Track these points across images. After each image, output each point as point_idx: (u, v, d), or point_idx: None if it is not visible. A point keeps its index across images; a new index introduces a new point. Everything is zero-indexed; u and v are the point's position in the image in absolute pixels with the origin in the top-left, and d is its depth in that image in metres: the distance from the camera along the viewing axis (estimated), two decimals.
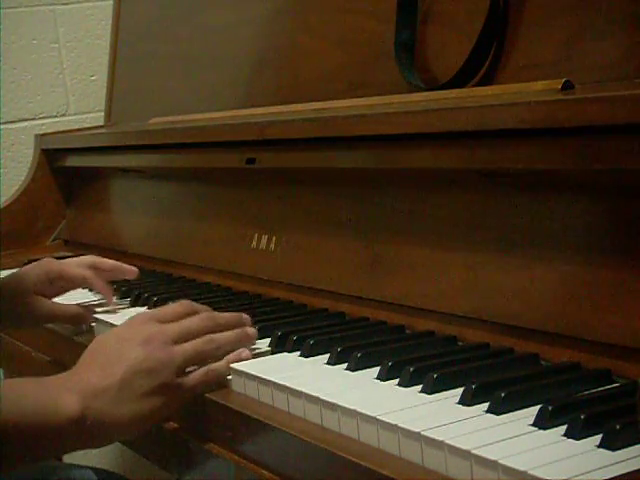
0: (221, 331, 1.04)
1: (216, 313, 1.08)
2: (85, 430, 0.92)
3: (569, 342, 0.90)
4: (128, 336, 0.99)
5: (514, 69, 1.13)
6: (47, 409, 0.90)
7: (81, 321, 1.36)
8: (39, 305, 1.33)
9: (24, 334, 1.58)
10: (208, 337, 1.02)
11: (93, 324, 1.34)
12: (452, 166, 1.04)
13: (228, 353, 1.03)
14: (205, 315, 1.06)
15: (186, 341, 1.00)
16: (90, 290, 1.47)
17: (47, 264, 1.38)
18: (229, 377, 1.01)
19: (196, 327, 1.03)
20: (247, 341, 1.06)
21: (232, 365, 1.01)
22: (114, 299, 1.41)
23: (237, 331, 1.06)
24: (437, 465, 0.74)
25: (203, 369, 1.00)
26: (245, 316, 1.09)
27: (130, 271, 1.41)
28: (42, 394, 0.91)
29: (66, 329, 1.38)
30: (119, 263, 1.43)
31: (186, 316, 1.04)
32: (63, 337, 1.39)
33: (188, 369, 1.00)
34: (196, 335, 1.02)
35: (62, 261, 1.42)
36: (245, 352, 1.03)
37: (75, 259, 1.42)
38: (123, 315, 1.32)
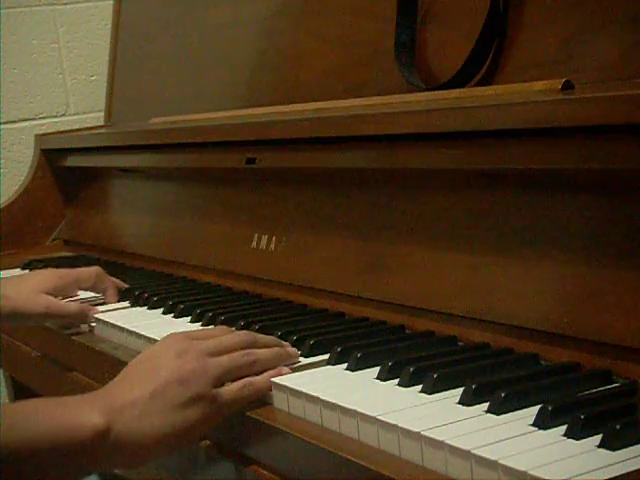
0: (259, 348, 1.00)
1: (253, 333, 1.04)
2: (111, 447, 0.85)
3: (569, 342, 0.90)
4: (161, 351, 0.94)
5: (514, 69, 1.13)
6: (69, 425, 0.84)
7: (83, 319, 1.35)
8: (40, 302, 1.33)
9: (23, 333, 1.58)
10: (246, 351, 0.97)
11: (93, 324, 1.34)
12: (452, 166, 1.04)
13: (267, 370, 0.97)
14: (243, 333, 1.02)
15: (222, 355, 0.95)
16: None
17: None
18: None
19: (233, 343, 0.97)
20: (287, 359, 1.01)
21: None
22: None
23: (277, 349, 1.01)
24: (437, 465, 0.74)
25: (241, 381, 0.94)
26: (286, 343, 1.04)
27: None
28: (60, 412, 0.85)
29: (64, 328, 1.39)
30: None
31: (221, 335, 1.00)
32: (62, 336, 1.39)
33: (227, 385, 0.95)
34: (233, 350, 0.96)
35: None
36: (286, 369, 0.97)
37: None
38: (123, 314, 1.32)
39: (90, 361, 1.29)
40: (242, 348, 0.97)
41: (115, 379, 0.92)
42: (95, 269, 1.44)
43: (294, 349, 1.03)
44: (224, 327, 1.07)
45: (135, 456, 0.88)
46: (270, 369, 0.97)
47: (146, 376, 0.90)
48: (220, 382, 0.93)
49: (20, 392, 2.01)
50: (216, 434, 0.99)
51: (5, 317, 1.30)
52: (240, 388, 0.93)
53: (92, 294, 1.46)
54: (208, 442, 0.99)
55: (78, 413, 0.85)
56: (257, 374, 0.96)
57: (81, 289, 1.43)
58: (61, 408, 0.86)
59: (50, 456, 0.83)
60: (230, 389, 0.93)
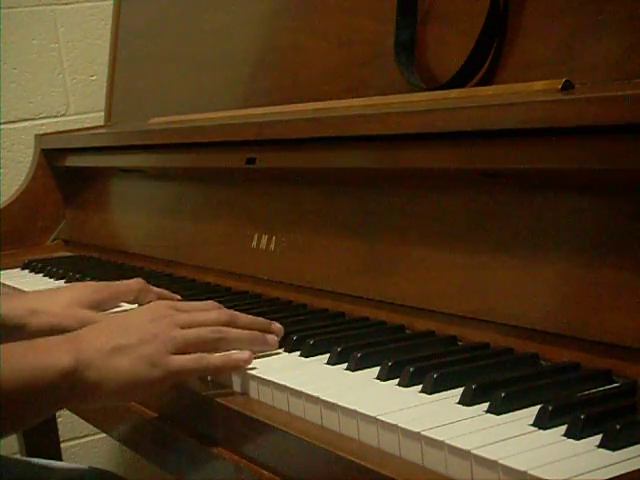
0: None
1: (240, 314, 1.06)
2: (73, 383, 0.92)
3: (569, 342, 0.90)
4: (140, 314, 1.02)
5: (514, 69, 1.13)
6: (38, 367, 0.91)
7: None
8: (77, 316, 1.24)
9: None
10: (217, 328, 1.01)
11: None
12: (452, 166, 1.04)
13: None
14: (225, 311, 1.05)
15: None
16: None
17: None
18: (228, 375, 1.01)
19: (209, 320, 1.02)
20: (260, 345, 1.04)
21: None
22: None
23: (253, 332, 1.04)
24: (437, 465, 0.74)
25: (198, 354, 0.98)
26: (275, 326, 1.07)
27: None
28: (33, 354, 0.92)
29: None
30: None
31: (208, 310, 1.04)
32: None
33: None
34: (205, 325, 1.01)
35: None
36: (247, 354, 1.00)
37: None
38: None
39: None
40: (217, 324, 1.01)
41: (90, 326, 1.00)
42: (136, 282, 1.33)
43: (273, 337, 1.05)
44: (214, 303, 1.08)
45: (94, 396, 0.94)
46: (239, 350, 1.00)
47: (116, 329, 0.98)
48: (180, 352, 0.97)
49: None
50: (216, 433, 0.99)
51: (40, 333, 1.19)
52: (191, 359, 0.97)
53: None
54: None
55: (48, 355, 0.92)
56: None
57: (124, 302, 1.33)
58: (32, 351, 0.93)
59: (22, 395, 0.90)
60: (182, 358, 0.97)
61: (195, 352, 0.98)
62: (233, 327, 1.02)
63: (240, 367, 1.00)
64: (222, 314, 1.04)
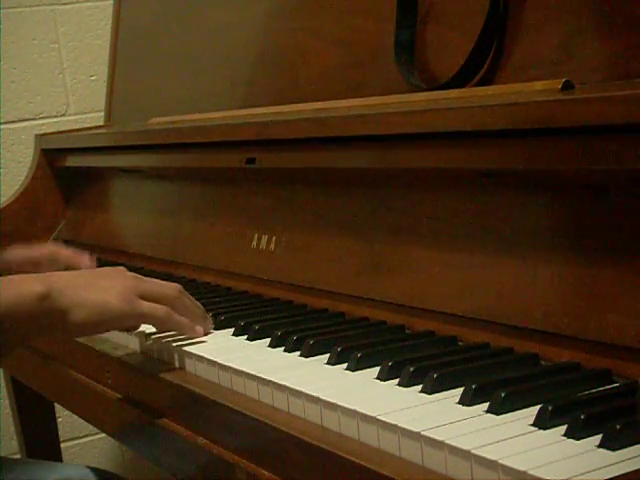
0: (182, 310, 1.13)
1: (185, 298, 1.15)
2: (47, 309, 1.02)
3: (569, 342, 0.90)
4: (110, 270, 1.13)
5: (514, 69, 1.13)
6: (14, 296, 1.00)
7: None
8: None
9: None
10: (177, 291, 1.13)
11: None
12: (452, 166, 1.04)
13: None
14: (178, 286, 1.15)
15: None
16: None
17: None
18: (228, 375, 1.01)
19: (168, 288, 1.13)
20: (188, 333, 1.14)
21: (232, 365, 1.01)
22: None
23: (202, 311, 1.17)
24: (437, 465, 0.74)
25: (166, 307, 1.10)
26: (209, 320, 1.18)
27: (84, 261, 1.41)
28: (8, 285, 1.02)
29: None
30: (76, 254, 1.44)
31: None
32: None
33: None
34: (162, 297, 1.11)
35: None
36: (202, 329, 1.14)
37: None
38: None
39: (91, 360, 1.29)
40: (168, 300, 1.12)
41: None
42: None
43: (200, 328, 1.14)
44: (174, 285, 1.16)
45: (65, 321, 1.04)
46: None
47: (87, 273, 1.14)
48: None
49: (20, 392, 2.01)
50: (216, 432, 0.99)
51: None
52: (161, 308, 1.10)
53: None
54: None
55: (24, 285, 1.02)
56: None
57: None
58: (9, 282, 1.03)
59: (5, 322, 1.00)
60: (151, 304, 1.09)
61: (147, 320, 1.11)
62: (180, 303, 1.13)
63: (195, 337, 1.13)
64: (176, 290, 1.14)
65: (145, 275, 1.59)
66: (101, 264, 1.77)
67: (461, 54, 1.18)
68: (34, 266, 1.35)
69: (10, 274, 1.31)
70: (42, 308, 1.01)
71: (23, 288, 1.02)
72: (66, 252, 1.40)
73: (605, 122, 0.83)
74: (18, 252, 1.40)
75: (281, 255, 1.34)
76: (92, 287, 1.06)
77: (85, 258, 1.39)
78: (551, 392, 0.82)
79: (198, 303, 1.18)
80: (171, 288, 1.14)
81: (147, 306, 1.09)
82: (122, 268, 1.15)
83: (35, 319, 1.02)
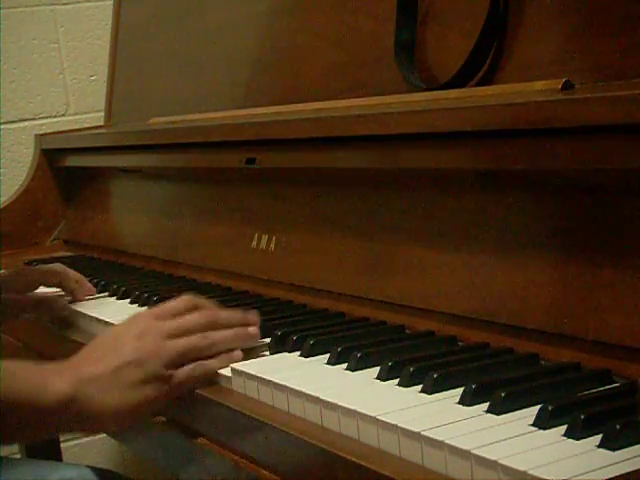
0: (220, 328, 1.05)
1: (218, 310, 1.08)
2: (74, 413, 0.95)
3: (569, 342, 0.90)
4: (124, 331, 1.02)
5: (514, 69, 1.13)
6: (38, 389, 0.94)
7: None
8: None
9: (17, 329, 1.58)
10: (204, 334, 1.03)
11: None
12: (452, 166, 1.04)
13: (228, 351, 1.04)
14: (205, 312, 1.06)
15: (181, 337, 1.02)
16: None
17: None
18: (228, 375, 1.01)
19: (193, 324, 1.03)
20: (247, 340, 1.06)
21: (232, 365, 1.01)
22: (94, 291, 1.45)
23: (237, 330, 1.06)
24: (437, 465, 0.74)
25: (196, 363, 1.01)
26: (251, 316, 1.09)
27: (89, 290, 1.46)
28: (35, 376, 0.96)
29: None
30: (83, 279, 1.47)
31: (186, 312, 1.05)
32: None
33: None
34: (193, 332, 1.03)
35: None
36: (237, 353, 1.03)
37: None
38: (117, 311, 1.32)
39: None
40: (203, 329, 1.03)
41: (83, 351, 1.02)
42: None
43: (254, 328, 1.07)
44: (188, 297, 1.08)
45: (92, 425, 0.99)
46: (227, 349, 1.04)
47: (110, 353, 0.99)
48: (175, 364, 1.00)
49: None
50: (216, 432, 0.99)
51: None
52: (192, 369, 1.01)
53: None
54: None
55: (49, 381, 0.95)
56: (212, 355, 1.03)
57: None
58: (37, 372, 0.97)
59: (21, 414, 0.93)
60: (182, 371, 1.01)
61: (189, 361, 1.01)
62: (216, 328, 1.05)
63: (251, 340, 1.06)
64: (204, 316, 1.05)
65: (145, 275, 1.60)
66: (101, 264, 1.78)
67: (461, 54, 1.17)
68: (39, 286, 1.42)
69: (12, 300, 1.36)
70: (65, 412, 0.95)
71: (45, 386, 0.94)
72: (72, 277, 1.44)
73: (605, 122, 0.83)
74: (29, 273, 1.45)
75: (281, 255, 1.34)
76: (122, 377, 0.97)
77: (86, 289, 1.45)
78: (551, 392, 0.82)
79: (231, 315, 1.08)
80: (197, 323, 1.04)
81: (181, 377, 1.00)
82: (141, 317, 1.05)
83: (54, 418, 0.96)
